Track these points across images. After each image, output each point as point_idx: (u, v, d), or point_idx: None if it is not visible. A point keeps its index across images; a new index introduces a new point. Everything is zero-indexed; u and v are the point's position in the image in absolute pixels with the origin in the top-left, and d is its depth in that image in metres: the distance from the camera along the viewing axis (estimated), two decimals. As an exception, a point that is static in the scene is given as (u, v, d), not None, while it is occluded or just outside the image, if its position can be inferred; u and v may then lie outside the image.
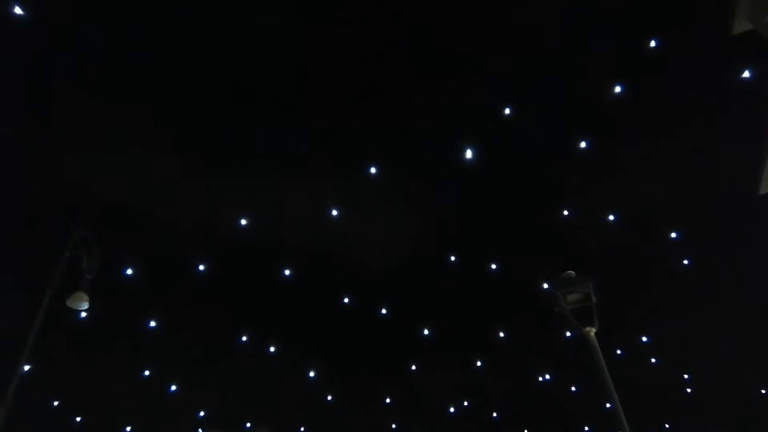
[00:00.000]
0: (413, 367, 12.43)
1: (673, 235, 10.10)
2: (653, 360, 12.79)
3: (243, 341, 11.23)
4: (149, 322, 10.23)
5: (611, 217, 9.80)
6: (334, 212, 9.80)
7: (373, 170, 9.53)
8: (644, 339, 12.16)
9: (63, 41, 7.57)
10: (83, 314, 8.16)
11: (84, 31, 7.58)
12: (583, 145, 8.99)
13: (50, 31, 7.36)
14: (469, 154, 9.20)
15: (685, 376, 13.20)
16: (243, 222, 9.54)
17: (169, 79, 8.24)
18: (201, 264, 9.69)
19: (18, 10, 6.89)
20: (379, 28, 8.49)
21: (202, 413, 12.61)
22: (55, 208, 8.39)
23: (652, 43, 7.81)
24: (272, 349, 11.33)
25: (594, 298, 6.62)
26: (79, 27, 7.52)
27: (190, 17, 7.81)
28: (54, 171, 8.35)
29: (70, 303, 6.69)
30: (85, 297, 6.72)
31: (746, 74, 7.90)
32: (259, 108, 9.00)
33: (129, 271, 9.03)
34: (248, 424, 13.38)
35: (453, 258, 10.57)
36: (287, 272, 10.38)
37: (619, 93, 8.27)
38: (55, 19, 7.26)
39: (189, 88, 8.47)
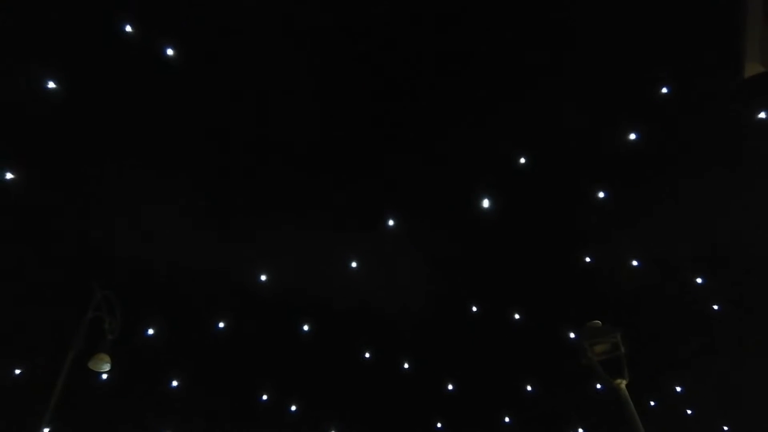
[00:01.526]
0: (438, 425, 12.02)
1: (699, 280, 9.84)
2: (689, 411, 12.21)
3: (263, 400, 11.02)
4: (170, 382, 10.13)
5: (635, 263, 9.63)
6: (354, 264, 9.80)
7: (391, 222, 9.58)
8: (678, 389, 11.65)
9: (87, 105, 7.90)
10: (104, 376, 8.15)
11: (103, 89, 7.91)
12: (601, 195, 8.99)
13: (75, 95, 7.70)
14: (486, 203, 9.22)
15: (725, 428, 12.54)
16: (263, 277, 9.58)
17: (190, 135, 8.50)
18: (221, 321, 9.66)
19: (51, 84, 7.33)
20: (396, 79, 8.73)
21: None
22: (77, 267, 8.50)
23: (664, 90, 7.91)
24: (293, 408, 11.09)
25: (623, 349, 6.40)
26: (99, 87, 7.85)
27: (211, 71, 8.13)
28: (76, 230, 8.52)
29: (92, 365, 6.68)
30: (107, 359, 6.72)
31: (762, 115, 7.91)
32: (278, 161, 9.20)
33: (150, 331, 9.04)
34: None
35: (475, 308, 10.40)
36: (306, 328, 10.28)
37: (635, 139, 8.32)
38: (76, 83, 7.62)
39: (209, 143, 8.73)
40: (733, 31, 7.67)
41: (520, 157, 9.06)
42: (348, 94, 8.66)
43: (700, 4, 7.58)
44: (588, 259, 9.74)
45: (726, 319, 10.46)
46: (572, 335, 9.85)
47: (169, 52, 7.70)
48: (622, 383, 6.12)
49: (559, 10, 7.89)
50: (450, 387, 11.21)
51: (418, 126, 9.07)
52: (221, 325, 9.68)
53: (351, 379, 11.21)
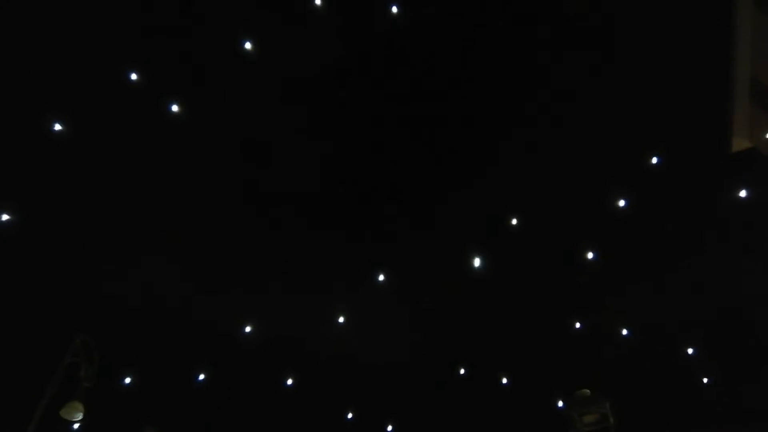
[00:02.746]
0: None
1: (690, 350, 9.75)
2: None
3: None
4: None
5: (625, 331, 9.57)
6: (341, 320, 9.68)
7: (381, 277, 9.53)
8: (669, 462, 11.33)
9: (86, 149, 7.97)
10: (76, 426, 7.85)
11: (104, 134, 8.01)
12: (590, 255, 9.03)
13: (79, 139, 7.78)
14: (477, 262, 9.22)
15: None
16: (248, 329, 9.42)
17: (176, 182, 8.56)
18: (202, 372, 9.42)
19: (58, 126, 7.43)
20: (390, 140, 8.92)
21: None
22: (58, 311, 8.35)
23: (654, 160, 8.11)
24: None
25: (612, 419, 6.31)
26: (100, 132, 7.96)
27: (210, 122, 8.28)
28: (61, 274, 8.42)
29: (64, 413, 6.47)
30: (80, 407, 6.51)
31: (745, 191, 8.09)
32: (270, 214, 9.24)
33: (127, 380, 8.78)
34: None
35: (463, 370, 10.21)
36: (289, 382, 10.03)
37: (624, 206, 8.45)
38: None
39: (196, 192, 8.78)
40: (720, 106, 7.94)
41: (512, 218, 9.14)
42: (343, 149, 8.83)
43: (689, 78, 7.86)
44: (578, 325, 9.68)
45: (717, 391, 10.31)
46: (560, 404, 9.65)
47: (174, 108, 7.89)
48: (611, 456, 5.98)
49: (555, 78, 8.17)
50: (434, 452, 10.87)
51: (410, 183, 9.20)
52: (201, 376, 9.42)
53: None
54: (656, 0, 7.32)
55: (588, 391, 6.67)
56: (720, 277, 9.00)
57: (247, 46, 7.70)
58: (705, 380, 10.11)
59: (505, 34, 7.98)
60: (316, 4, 7.57)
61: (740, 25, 7.47)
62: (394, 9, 7.65)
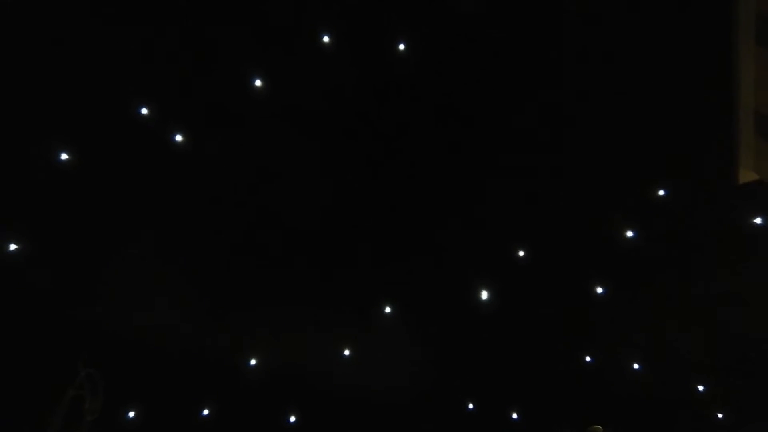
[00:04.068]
0: None
1: (701, 388, 9.57)
2: None
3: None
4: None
5: (636, 366, 9.41)
6: (347, 352, 9.57)
7: (387, 310, 9.47)
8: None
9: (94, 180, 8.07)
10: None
11: (112, 167, 8.11)
12: (600, 290, 8.97)
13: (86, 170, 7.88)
14: (484, 295, 9.15)
15: None
16: (253, 362, 9.33)
17: (183, 216, 8.61)
18: (206, 407, 9.29)
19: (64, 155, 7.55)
20: (397, 173, 8.99)
21: None
22: (63, 344, 8.30)
23: (661, 192, 8.13)
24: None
25: (625, 456, 6.14)
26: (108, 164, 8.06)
27: (215, 156, 8.37)
28: (67, 306, 8.41)
29: (66, 449, 6.37)
30: (83, 442, 6.41)
31: (757, 220, 8.07)
32: (277, 247, 9.25)
33: (131, 414, 8.66)
34: None
35: (471, 405, 10.03)
36: (293, 419, 9.87)
37: (632, 238, 8.44)
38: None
39: (203, 226, 8.82)
40: (726, 138, 8.00)
41: (519, 250, 9.11)
42: (350, 183, 8.90)
43: (694, 111, 7.93)
44: (588, 359, 9.53)
45: (730, 427, 10.07)
46: (572, 440, 9.43)
47: (178, 137, 8.01)
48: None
49: (562, 110, 8.26)
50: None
51: (417, 215, 9.21)
52: (206, 411, 9.29)
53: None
54: (661, 35, 7.44)
55: (600, 427, 6.52)
56: (730, 308, 8.90)
57: (257, 83, 7.86)
58: (719, 416, 9.90)
59: (512, 68, 8.11)
60: (324, 42, 7.75)
61: (743, 58, 7.58)
62: (401, 46, 7.81)
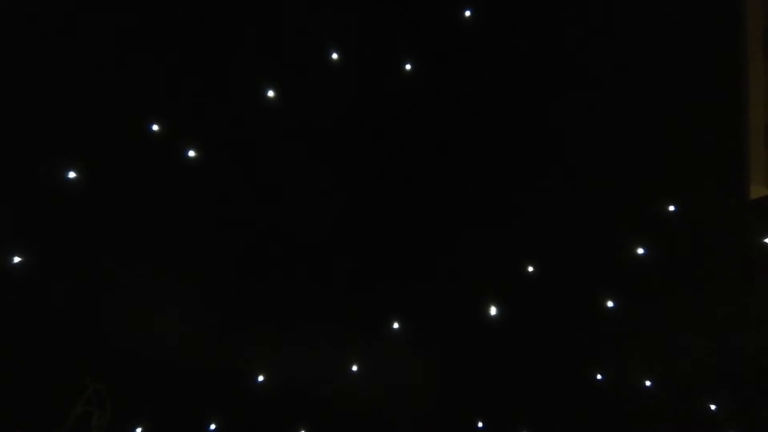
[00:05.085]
0: None
1: (713, 407, 9.42)
2: None
3: None
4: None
5: (648, 383, 9.28)
6: (354, 368, 9.51)
7: (395, 326, 9.41)
8: None
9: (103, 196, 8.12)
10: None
11: (121, 182, 8.16)
12: (610, 304, 8.89)
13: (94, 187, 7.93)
14: (493, 311, 9.09)
15: None
16: (260, 378, 9.29)
17: (190, 232, 8.64)
18: (213, 422, 9.25)
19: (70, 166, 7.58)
20: (406, 188, 9.00)
21: None
22: (70, 360, 8.31)
23: (671, 207, 8.07)
24: None
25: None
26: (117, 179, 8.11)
27: (227, 169, 8.41)
28: (74, 321, 8.42)
29: (73, 465, 6.36)
30: (90, 458, 6.40)
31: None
32: (285, 262, 9.26)
33: (138, 430, 8.63)
34: None
35: (480, 424, 9.92)
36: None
37: (643, 254, 8.37)
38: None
39: (210, 242, 8.85)
40: (737, 154, 7.95)
41: (529, 266, 9.06)
42: (357, 197, 8.92)
43: (704, 126, 7.91)
44: (599, 377, 9.41)
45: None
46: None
47: (191, 153, 8.05)
48: None
49: (572, 126, 8.26)
50: None
51: (426, 230, 9.20)
52: (213, 426, 9.25)
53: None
54: (671, 48, 7.44)
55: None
56: (742, 325, 8.79)
57: (270, 93, 7.91)
58: (733, 435, 9.73)
59: (518, 86, 8.14)
60: (333, 59, 7.81)
61: (752, 72, 7.55)
62: (408, 66, 7.87)
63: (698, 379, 9.36)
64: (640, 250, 8.38)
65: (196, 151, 8.11)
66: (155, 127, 7.80)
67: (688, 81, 7.61)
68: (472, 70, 8.09)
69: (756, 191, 7.92)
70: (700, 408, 9.65)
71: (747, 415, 9.60)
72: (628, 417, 9.75)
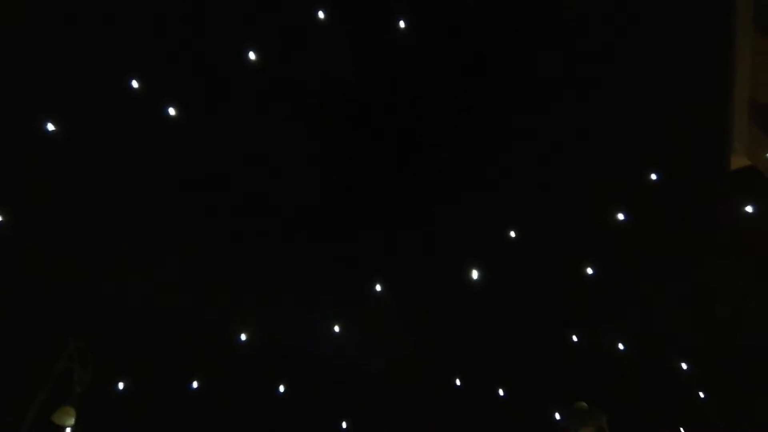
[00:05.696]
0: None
1: (684, 366, 9.74)
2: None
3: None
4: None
5: (621, 346, 9.56)
6: (336, 329, 9.62)
7: (378, 288, 9.50)
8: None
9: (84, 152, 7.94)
10: (68, 430, 7.74)
11: (102, 139, 7.99)
12: (590, 271, 9.04)
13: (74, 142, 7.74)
14: (475, 274, 9.20)
15: None
16: (243, 337, 9.36)
17: (184, 193, 8.53)
18: (195, 380, 9.34)
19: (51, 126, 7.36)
20: (391, 147, 8.95)
21: None
22: (53, 316, 8.27)
23: (653, 176, 8.16)
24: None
25: (608, 432, 6.27)
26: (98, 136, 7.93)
27: (209, 130, 8.25)
28: (57, 278, 8.36)
29: (56, 418, 6.38)
30: (72, 412, 6.42)
31: (747, 207, 8.12)
32: (269, 224, 9.22)
33: (121, 386, 8.69)
34: None
35: (459, 382, 10.17)
36: (282, 389, 9.95)
37: (624, 219, 8.48)
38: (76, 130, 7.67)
39: (195, 201, 8.75)
40: (720, 124, 8.01)
41: (510, 231, 9.14)
42: (344, 162, 8.86)
43: (689, 97, 7.93)
44: (575, 338, 9.66)
45: (712, 408, 10.29)
46: (557, 416, 9.61)
47: (171, 111, 7.86)
48: (608, 469, 5.95)
49: (556, 93, 8.22)
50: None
51: (410, 195, 9.21)
52: (195, 383, 9.34)
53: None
54: (659, 23, 7.39)
55: (585, 404, 6.63)
56: (718, 291, 9.02)
57: (251, 55, 7.70)
58: (701, 395, 10.10)
59: (509, 52, 8.04)
60: (320, 18, 7.60)
61: (739, 45, 7.54)
62: (402, 23, 7.69)
63: (673, 342, 9.67)
64: (621, 217, 8.49)
65: (181, 109, 7.92)
66: (135, 84, 7.58)
67: (674, 53, 7.60)
68: (468, 31, 7.95)
69: (737, 161, 8.02)
70: (672, 370, 9.99)
71: (719, 378, 9.96)
72: (602, 377, 10.06)
